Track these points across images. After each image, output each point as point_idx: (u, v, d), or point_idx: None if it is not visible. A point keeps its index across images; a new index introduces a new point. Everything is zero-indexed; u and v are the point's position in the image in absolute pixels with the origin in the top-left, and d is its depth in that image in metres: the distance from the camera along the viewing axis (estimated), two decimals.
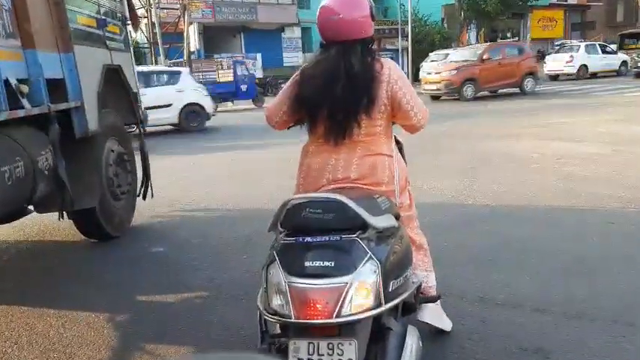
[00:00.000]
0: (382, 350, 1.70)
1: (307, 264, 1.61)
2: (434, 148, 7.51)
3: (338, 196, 1.69)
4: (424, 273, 2.33)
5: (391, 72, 2.10)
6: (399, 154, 2.28)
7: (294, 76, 2.23)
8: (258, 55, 30.22)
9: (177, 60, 24.52)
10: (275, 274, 1.65)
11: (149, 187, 4.91)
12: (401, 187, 2.18)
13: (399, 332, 1.74)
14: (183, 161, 8.27)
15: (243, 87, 19.89)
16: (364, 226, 1.67)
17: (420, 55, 25.89)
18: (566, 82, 21.61)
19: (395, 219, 1.88)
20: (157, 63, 24.95)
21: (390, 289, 1.67)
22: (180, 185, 6.39)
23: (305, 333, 1.64)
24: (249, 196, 5.62)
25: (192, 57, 25.16)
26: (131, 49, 5.10)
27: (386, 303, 1.64)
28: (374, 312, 1.60)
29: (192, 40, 24.53)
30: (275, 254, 1.69)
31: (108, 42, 4.34)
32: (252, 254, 3.77)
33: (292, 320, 1.59)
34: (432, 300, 2.36)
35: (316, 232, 1.69)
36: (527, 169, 6.06)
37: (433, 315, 2.45)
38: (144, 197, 4.89)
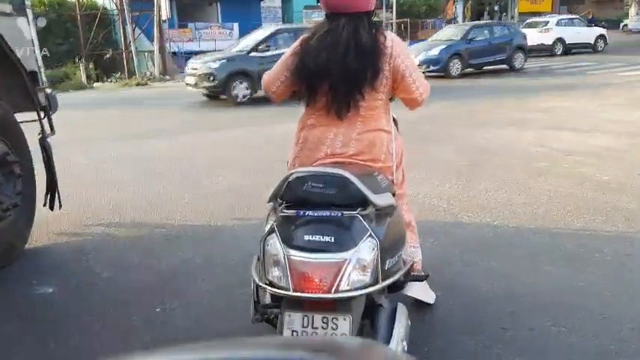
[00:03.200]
0: (373, 326, 1.72)
1: (307, 238, 1.62)
2: (422, 139, 6.41)
3: (341, 172, 1.70)
4: (412, 249, 2.33)
5: (394, 44, 2.06)
6: (397, 130, 2.25)
7: (293, 45, 2.15)
8: (235, 25, 28.69)
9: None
10: (273, 246, 1.65)
11: (56, 195, 3.74)
12: (397, 164, 2.16)
13: (389, 309, 1.75)
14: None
15: None
16: (364, 202, 1.67)
17: (404, 26, 24.77)
18: (543, 58, 20.33)
19: (393, 197, 1.89)
20: (124, 32, 23.36)
21: (386, 267, 1.68)
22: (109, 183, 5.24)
23: (300, 306, 1.63)
24: (194, 203, 4.51)
25: (164, 26, 23.59)
26: (28, 12, 3.75)
27: (382, 281, 1.65)
28: (371, 289, 1.63)
29: (164, 8, 22.83)
30: (274, 226, 1.68)
31: None
32: (182, 303, 2.73)
33: (290, 293, 1.59)
34: (421, 279, 2.27)
35: (317, 206, 1.68)
36: (533, 170, 5.04)
37: (418, 289, 2.47)
38: (51, 207, 3.75)
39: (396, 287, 1.95)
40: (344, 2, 2.03)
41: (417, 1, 30.19)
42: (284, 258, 1.61)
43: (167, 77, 22.39)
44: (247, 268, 3.11)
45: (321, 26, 2.10)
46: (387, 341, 1.67)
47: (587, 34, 22.35)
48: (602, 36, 22.38)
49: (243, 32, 28.42)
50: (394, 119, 2.25)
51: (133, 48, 22.35)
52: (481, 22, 20.83)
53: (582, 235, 3.44)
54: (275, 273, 1.65)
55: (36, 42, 3.84)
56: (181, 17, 28.11)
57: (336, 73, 2.00)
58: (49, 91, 3.97)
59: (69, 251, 3.65)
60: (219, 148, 6.83)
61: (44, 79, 3.92)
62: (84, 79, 20.25)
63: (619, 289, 2.72)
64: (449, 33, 16.48)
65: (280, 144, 6.43)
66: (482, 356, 2.23)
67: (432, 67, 14.30)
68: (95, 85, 19.72)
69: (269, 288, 1.67)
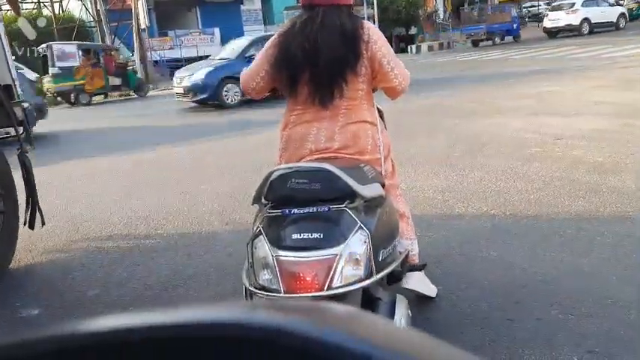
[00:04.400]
0: None
1: (295, 236, 1.58)
2: (409, 130, 6.35)
3: (325, 165, 1.66)
4: (408, 241, 2.27)
5: (370, 32, 2.04)
6: (382, 122, 2.22)
7: (271, 39, 2.13)
8: (217, 30, 28.51)
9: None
10: (261, 248, 1.61)
11: (37, 212, 3.54)
12: (384, 155, 2.12)
13: (388, 302, 1.71)
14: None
15: None
16: (352, 195, 1.63)
17: (385, 22, 24.74)
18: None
19: (381, 188, 1.86)
20: (104, 41, 23.11)
21: (380, 259, 1.65)
22: (88, 198, 5.10)
23: None
24: (183, 212, 4.39)
25: (144, 35, 23.37)
26: (0, 25, 3.64)
27: (377, 273, 1.62)
28: (365, 283, 1.59)
29: (142, 16, 22.62)
30: (260, 228, 1.64)
31: None
32: None
33: (281, 295, 1.54)
34: (419, 268, 2.32)
35: (303, 203, 1.63)
36: (525, 156, 4.97)
37: (418, 282, 2.40)
38: (31, 226, 3.53)
39: (393, 279, 1.94)
40: None
41: None
42: (273, 260, 1.57)
43: (150, 86, 22.17)
44: (240, 276, 3.04)
45: (299, 17, 2.08)
46: None
47: (610, 13, 23.15)
48: (623, 14, 23.32)
49: (225, 37, 28.39)
50: (379, 111, 2.22)
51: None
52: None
53: (580, 218, 3.37)
54: (265, 276, 1.60)
55: (9, 54, 3.71)
56: (161, 25, 27.88)
57: (320, 58, 1.97)
58: (25, 105, 3.84)
59: (54, 270, 3.49)
60: (209, 154, 6.70)
61: (20, 92, 3.75)
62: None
63: (623, 272, 2.65)
64: (227, 50, 12.79)
65: (271, 147, 6.35)
66: (489, 350, 2.14)
67: (199, 96, 11.15)
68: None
69: (260, 292, 1.61)
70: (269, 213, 1.66)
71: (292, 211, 1.62)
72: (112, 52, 18.90)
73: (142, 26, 22.82)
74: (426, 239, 3.23)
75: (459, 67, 16.14)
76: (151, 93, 20.02)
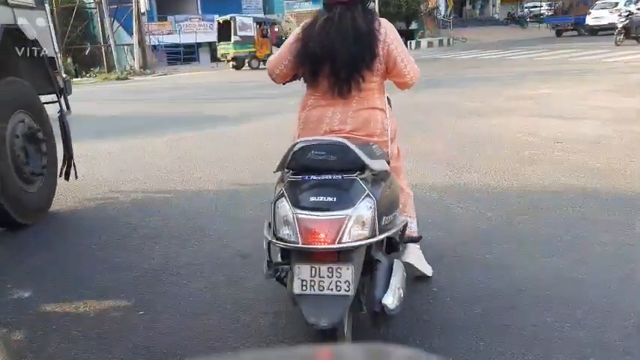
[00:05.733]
0: (372, 279, 1.91)
1: (312, 199, 1.83)
2: (408, 127, 6.20)
3: (341, 140, 1.93)
4: (409, 219, 2.49)
5: (387, 32, 2.24)
6: (390, 108, 2.42)
7: (295, 32, 2.33)
8: (216, 17, 28.24)
9: None
10: (282, 208, 1.86)
11: (72, 167, 4.33)
12: (390, 138, 2.34)
13: (386, 264, 1.95)
14: None
15: None
16: (362, 167, 1.90)
17: (386, 16, 24.60)
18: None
19: (387, 164, 2.13)
20: (103, 25, 22.88)
21: (382, 224, 1.88)
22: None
23: (308, 258, 1.82)
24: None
25: (143, 19, 23.14)
26: (46, 6, 4.37)
27: (379, 234, 1.87)
28: (369, 240, 1.84)
29: (142, 0, 22.35)
30: (283, 190, 1.89)
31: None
32: (166, 305, 2.58)
33: (299, 245, 1.79)
34: (415, 240, 2.54)
35: (320, 171, 1.91)
36: (525, 158, 4.94)
37: (416, 257, 2.62)
38: (66, 178, 4.31)
39: (392, 248, 2.16)
40: None
41: None
42: (293, 217, 1.81)
43: (148, 71, 22.01)
44: (235, 267, 3.00)
45: (321, 14, 2.27)
46: (386, 289, 1.87)
47: None
48: None
49: None
50: (388, 99, 2.44)
51: (111, 42, 21.86)
52: None
53: (579, 224, 3.34)
54: (285, 231, 1.85)
55: (53, 31, 4.43)
56: (160, 10, 27.64)
57: (338, 57, 2.18)
58: (64, 75, 4.61)
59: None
60: (208, 143, 6.64)
61: (60, 64, 4.54)
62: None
63: (621, 281, 2.62)
64: None
65: (265, 139, 6.29)
66: (484, 355, 2.11)
67: None
68: (74, 80, 19.23)
69: (280, 243, 1.87)
70: (291, 178, 1.94)
71: (311, 178, 1.91)
72: (277, 26, 23.19)
73: (142, 10, 22.59)
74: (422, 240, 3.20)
75: (458, 64, 16.15)
76: (148, 77, 19.88)
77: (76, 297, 2.77)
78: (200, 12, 28.88)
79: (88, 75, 21.36)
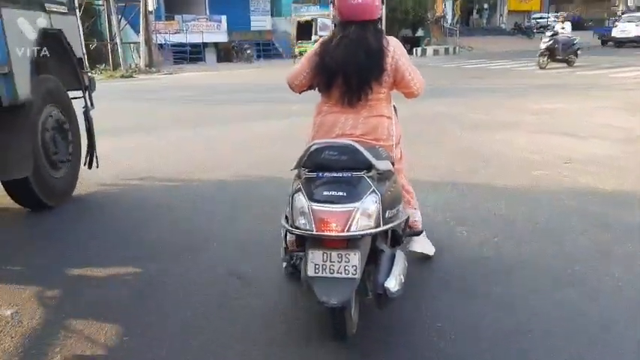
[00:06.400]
0: (377, 267, 2.18)
1: (325, 193, 2.11)
2: (411, 139, 5.97)
3: (351, 142, 2.23)
4: (412, 210, 2.81)
5: (395, 49, 2.55)
6: (396, 116, 2.73)
7: (315, 47, 2.63)
8: (223, 18, 28.21)
9: None
10: (299, 201, 2.13)
11: (94, 156, 4.87)
12: (395, 143, 2.65)
13: (389, 253, 2.24)
14: None
15: None
16: (369, 167, 2.17)
17: (392, 23, 24.53)
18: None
19: (391, 165, 2.42)
20: (110, 22, 22.78)
21: (386, 216, 2.16)
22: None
23: (320, 245, 2.09)
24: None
25: (151, 18, 23.04)
26: (77, 12, 4.86)
27: (383, 225, 2.14)
28: (374, 230, 2.11)
29: None
30: (300, 185, 2.18)
31: (47, 5, 4.18)
32: (153, 327, 2.45)
33: (313, 233, 2.06)
34: (417, 234, 2.90)
35: (333, 169, 2.19)
36: (532, 178, 4.81)
37: (419, 245, 3.00)
38: (89, 166, 4.86)
39: (395, 241, 2.44)
40: (355, 13, 2.50)
41: None
42: (308, 208, 2.07)
43: (153, 69, 21.90)
44: (228, 288, 2.86)
45: (337, 32, 2.56)
46: (389, 274, 2.13)
47: None
48: None
49: (232, 24, 28.06)
50: (394, 107, 2.72)
51: (118, 39, 21.76)
52: None
53: (590, 255, 3.20)
54: (301, 221, 2.10)
55: (81, 34, 4.91)
56: (168, 9, 27.55)
57: (350, 71, 2.47)
58: (90, 73, 5.13)
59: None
60: (213, 145, 6.52)
61: (87, 64, 5.01)
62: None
63: (633, 320, 2.47)
64: None
65: (264, 145, 6.14)
66: None
67: None
68: None
69: (297, 231, 2.13)
70: (307, 175, 2.22)
71: (324, 175, 2.19)
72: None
73: (150, 8, 22.49)
74: (423, 266, 3.07)
75: (464, 74, 16.04)
76: (153, 76, 19.76)
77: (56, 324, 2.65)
78: (208, 12, 28.78)
79: (93, 72, 21.26)
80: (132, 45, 24.05)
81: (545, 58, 16.06)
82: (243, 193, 4.63)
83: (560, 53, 15.84)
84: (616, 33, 26.64)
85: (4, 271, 3.19)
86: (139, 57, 22.68)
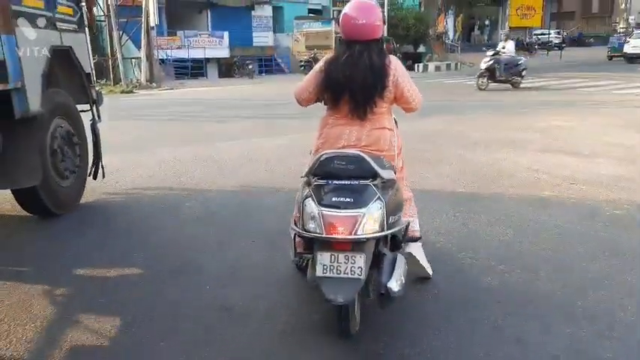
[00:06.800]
0: (379, 269, 2.34)
1: (334, 199, 2.27)
2: (412, 157, 5.89)
3: (359, 152, 2.42)
4: (411, 218, 2.93)
5: (397, 68, 2.72)
6: (397, 128, 2.89)
7: (319, 64, 2.79)
8: (225, 34, 28.27)
9: None
10: (309, 206, 2.29)
11: (100, 167, 5.01)
12: (397, 153, 2.81)
13: (391, 257, 2.41)
14: None
15: None
16: (374, 175, 2.34)
17: (394, 39, 24.56)
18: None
19: (394, 174, 2.57)
20: (111, 38, 22.82)
21: (389, 222, 2.31)
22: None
23: (328, 247, 2.24)
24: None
25: (152, 33, 23.08)
26: (86, 30, 5.04)
27: (387, 230, 2.30)
28: (378, 234, 2.28)
29: (152, 14, 22.32)
30: (311, 191, 2.33)
31: (58, 23, 4.37)
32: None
33: (323, 236, 2.22)
34: (415, 240, 3.00)
35: (341, 177, 2.36)
36: (537, 200, 4.64)
37: (419, 252, 3.03)
38: (94, 177, 4.98)
39: (395, 246, 2.56)
40: (358, 33, 2.66)
41: (408, 14, 29.84)
42: (318, 213, 2.22)
43: (154, 85, 21.88)
44: (217, 323, 2.69)
45: (342, 51, 2.70)
46: (390, 276, 2.28)
47: None
48: None
49: (234, 40, 28.13)
50: (395, 120, 2.90)
51: (119, 55, 21.77)
52: None
53: (600, 285, 3.02)
54: (311, 225, 2.25)
55: (90, 50, 5.06)
56: (171, 25, 27.64)
57: (355, 86, 2.63)
58: (97, 88, 5.28)
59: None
60: (208, 163, 6.37)
61: (94, 78, 5.24)
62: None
63: None
64: None
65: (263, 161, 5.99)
66: None
67: None
68: None
69: (307, 233, 2.28)
70: (317, 182, 2.37)
71: (333, 182, 2.34)
72: (391, 41, 25.22)
73: (151, 24, 22.54)
74: (425, 296, 2.90)
75: (465, 90, 15.91)
76: (153, 91, 19.71)
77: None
78: (210, 28, 28.87)
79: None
80: (133, 60, 24.06)
81: (485, 79, 14.83)
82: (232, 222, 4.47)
83: (502, 74, 14.57)
84: (628, 49, 26.87)
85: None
86: (140, 72, 22.68)
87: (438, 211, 4.34)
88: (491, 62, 14.59)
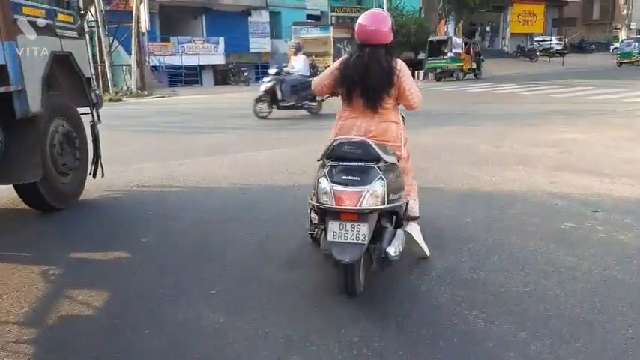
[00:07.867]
0: (381, 240, 2.80)
1: (343, 177, 2.74)
2: (419, 179, 5.27)
3: (366, 139, 2.88)
4: (412, 201, 3.28)
5: (402, 69, 3.16)
6: (404, 122, 3.34)
7: (337, 62, 3.28)
8: (221, 40, 27.67)
9: None
10: (323, 183, 2.77)
11: (99, 166, 5.25)
12: (402, 144, 3.21)
13: (392, 230, 2.88)
14: None
15: None
16: (378, 159, 2.79)
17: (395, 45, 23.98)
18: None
19: (396, 159, 3.00)
20: (100, 43, 22.17)
21: (389, 199, 2.76)
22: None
23: (338, 217, 2.72)
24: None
25: (144, 39, 22.47)
26: (86, 36, 5.39)
27: (387, 205, 2.74)
28: (380, 207, 2.73)
29: (143, 20, 21.71)
30: (324, 172, 2.80)
31: (58, 30, 4.59)
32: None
33: (333, 207, 2.70)
34: (414, 219, 3.32)
35: (350, 160, 2.83)
36: (559, 234, 3.92)
37: (417, 233, 3.35)
38: (94, 176, 5.22)
39: (396, 225, 2.95)
40: (369, 38, 3.14)
41: (409, 20, 29.21)
42: (330, 189, 2.73)
43: (145, 92, 21.24)
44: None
45: (355, 52, 3.19)
46: (389, 244, 2.78)
47: None
48: None
49: (230, 46, 27.50)
50: (402, 116, 3.33)
51: (107, 61, 21.10)
52: None
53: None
54: (324, 198, 2.76)
55: (90, 55, 5.41)
56: (164, 30, 27.03)
57: (366, 84, 3.09)
58: (97, 92, 5.55)
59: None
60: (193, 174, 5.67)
61: (94, 82, 5.53)
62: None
63: None
64: None
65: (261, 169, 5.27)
66: None
67: None
68: None
69: (319, 205, 2.79)
70: (330, 164, 2.85)
71: (343, 164, 2.84)
72: (476, 44, 27.60)
73: (143, 30, 21.93)
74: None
75: (469, 98, 15.29)
76: (143, 99, 19.06)
77: None
78: (205, 34, 28.25)
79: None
80: (124, 67, 23.44)
81: (265, 105, 11.23)
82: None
83: (287, 98, 10.95)
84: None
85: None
86: (131, 79, 22.04)
87: (443, 249, 3.62)
88: (271, 84, 11.02)
